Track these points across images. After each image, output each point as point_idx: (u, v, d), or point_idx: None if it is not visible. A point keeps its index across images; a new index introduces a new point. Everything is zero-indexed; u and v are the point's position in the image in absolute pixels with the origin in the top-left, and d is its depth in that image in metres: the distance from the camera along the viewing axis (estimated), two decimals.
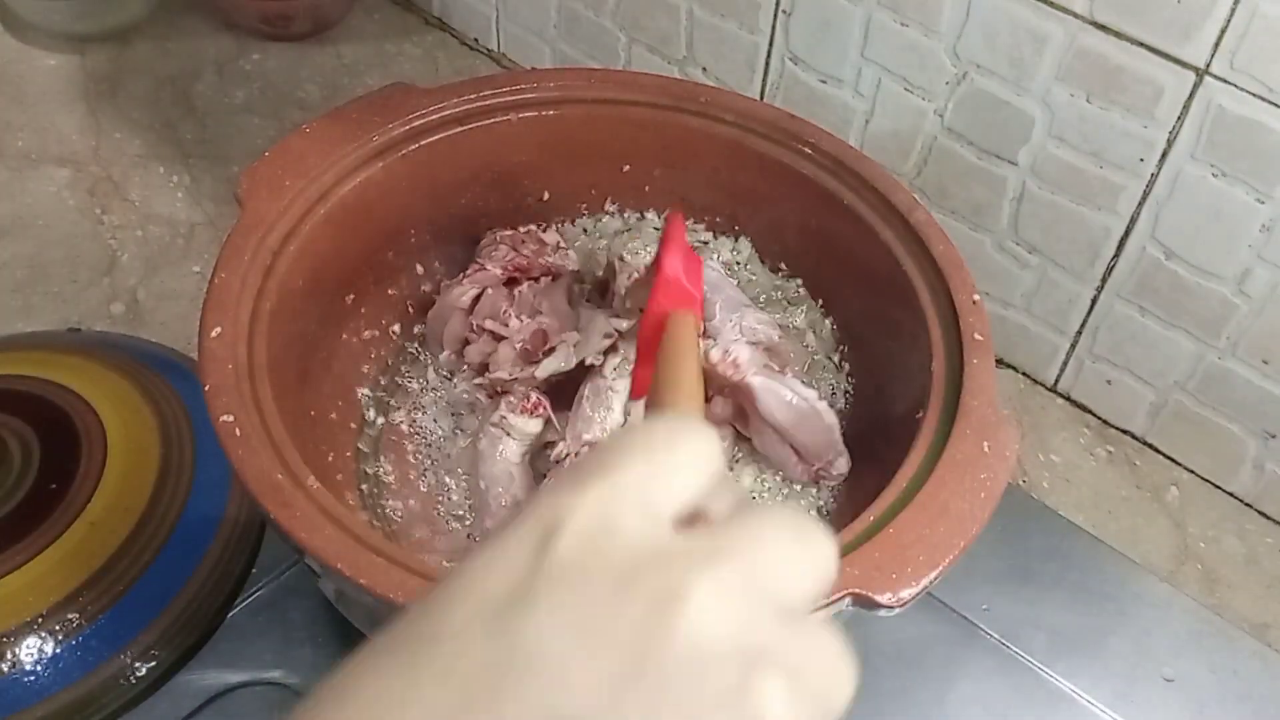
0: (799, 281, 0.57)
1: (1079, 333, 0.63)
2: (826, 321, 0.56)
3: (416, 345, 0.57)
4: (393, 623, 0.21)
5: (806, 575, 0.22)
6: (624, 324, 0.51)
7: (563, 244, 0.58)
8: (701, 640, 0.19)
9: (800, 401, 0.50)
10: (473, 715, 0.19)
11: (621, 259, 0.56)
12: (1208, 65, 0.51)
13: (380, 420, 0.54)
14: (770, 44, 0.66)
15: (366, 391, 0.54)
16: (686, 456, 0.23)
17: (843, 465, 0.51)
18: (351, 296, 0.54)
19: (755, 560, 0.21)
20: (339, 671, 0.20)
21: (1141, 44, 0.52)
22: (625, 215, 0.60)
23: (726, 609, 0.20)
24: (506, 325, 0.53)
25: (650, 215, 0.59)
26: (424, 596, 0.21)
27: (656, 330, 0.42)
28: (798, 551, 0.22)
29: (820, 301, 0.57)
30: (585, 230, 0.60)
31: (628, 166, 0.58)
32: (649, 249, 0.56)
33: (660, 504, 0.22)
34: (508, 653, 0.19)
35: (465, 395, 0.55)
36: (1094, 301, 0.61)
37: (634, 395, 0.47)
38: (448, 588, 0.21)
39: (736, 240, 0.59)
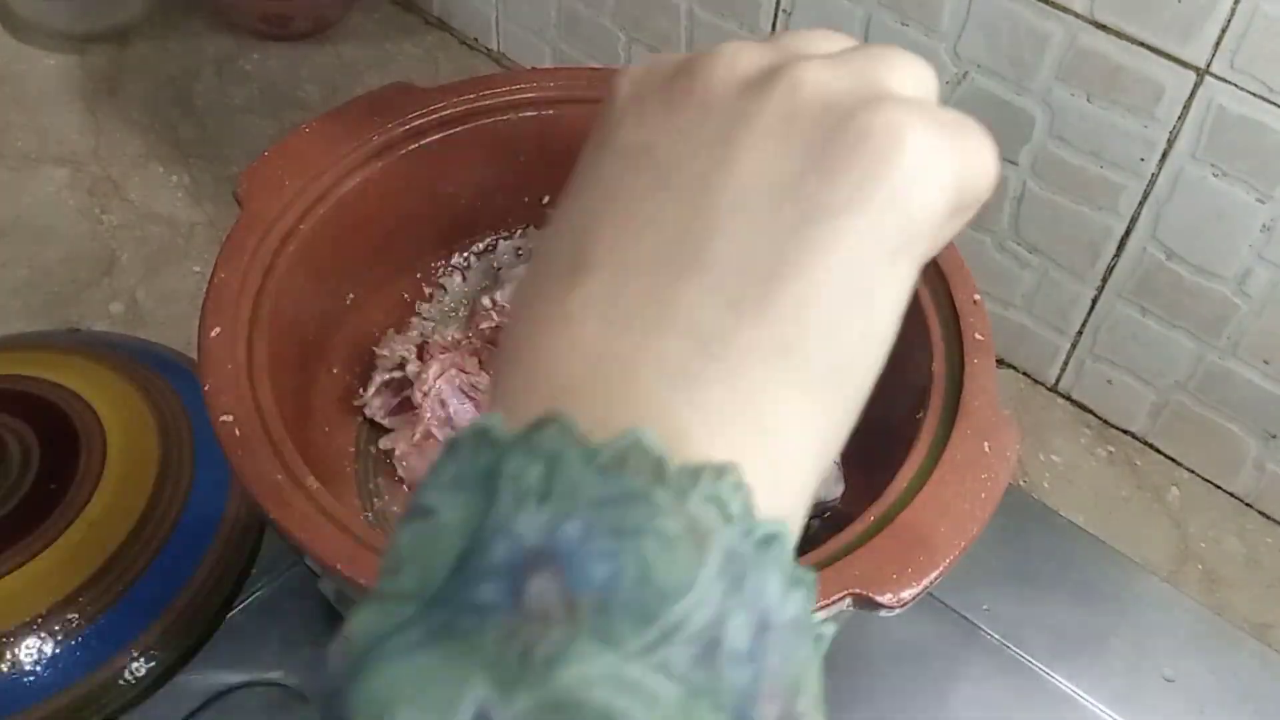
0: None
1: (1080, 333, 0.63)
2: None
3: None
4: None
5: (916, 69, 0.24)
6: None
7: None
8: (814, 91, 0.22)
9: None
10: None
11: None
12: (1208, 65, 0.51)
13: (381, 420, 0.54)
14: None
15: (367, 390, 0.54)
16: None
17: (836, 490, 0.51)
18: (351, 296, 0.54)
19: (869, 56, 0.23)
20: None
21: (1142, 44, 0.52)
22: None
23: (838, 74, 0.22)
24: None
25: None
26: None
27: None
28: (907, 58, 0.24)
29: None
30: None
31: None
32: None
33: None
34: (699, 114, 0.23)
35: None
36: (1095, 301, 0.61)
37: None
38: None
39: None
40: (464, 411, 0.53)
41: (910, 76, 0.23)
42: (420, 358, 0.53)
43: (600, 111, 0.25)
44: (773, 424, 0.20)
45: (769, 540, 0.19)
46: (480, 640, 0.17)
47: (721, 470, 0.18)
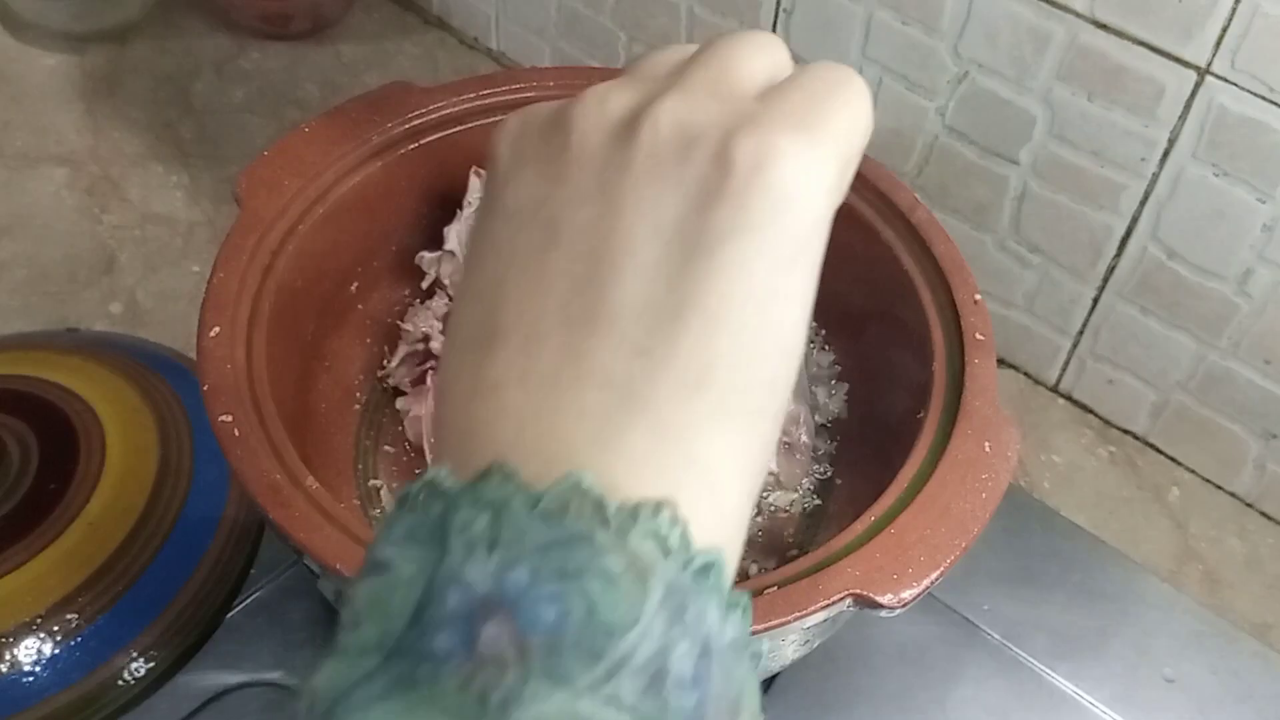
0: None
1: (1080, 333, 0.63)
2: (826, 321, 0.56)
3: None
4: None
5: (759, 57, 0.24)
6: None
7: None
8: (674, 129, 0.22)
9: None
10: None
11: None
12: (1209, 65, 0.51)
13: (380, 420, 0.54)
14: None
15: (366, 391, 0.54)
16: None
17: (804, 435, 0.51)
18: (351, 295, 0.54)
19: (709, 68, 0.24)
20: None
21: (1143, 43, 0.52)
22: None
23: (691, 105, 0.23)
24: None
25: None
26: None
27: None
28: (746, 45, 0.24)
29: (820, 301, 0.56)
30: None
31: None
32: None
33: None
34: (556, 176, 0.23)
35: None
36: (1095, 301, 0.61)
37: None
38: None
39: None
40: None
41: (759, 66, 0.24)
42: (444, 333, 0.54)
43: (486, 174, 0.26)
44: (701, 454, 0.21)
45: (707, 569, 0.19)
46: (439, 688, 0.17)
47: (658, 506, 0.19)
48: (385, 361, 0.55)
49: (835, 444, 0.54)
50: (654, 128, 0.22)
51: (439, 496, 0.20)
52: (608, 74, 0.58)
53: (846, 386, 0.55)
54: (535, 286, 0.22)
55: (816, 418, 0.55)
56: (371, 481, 0.52)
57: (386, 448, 0.54)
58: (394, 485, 0.52)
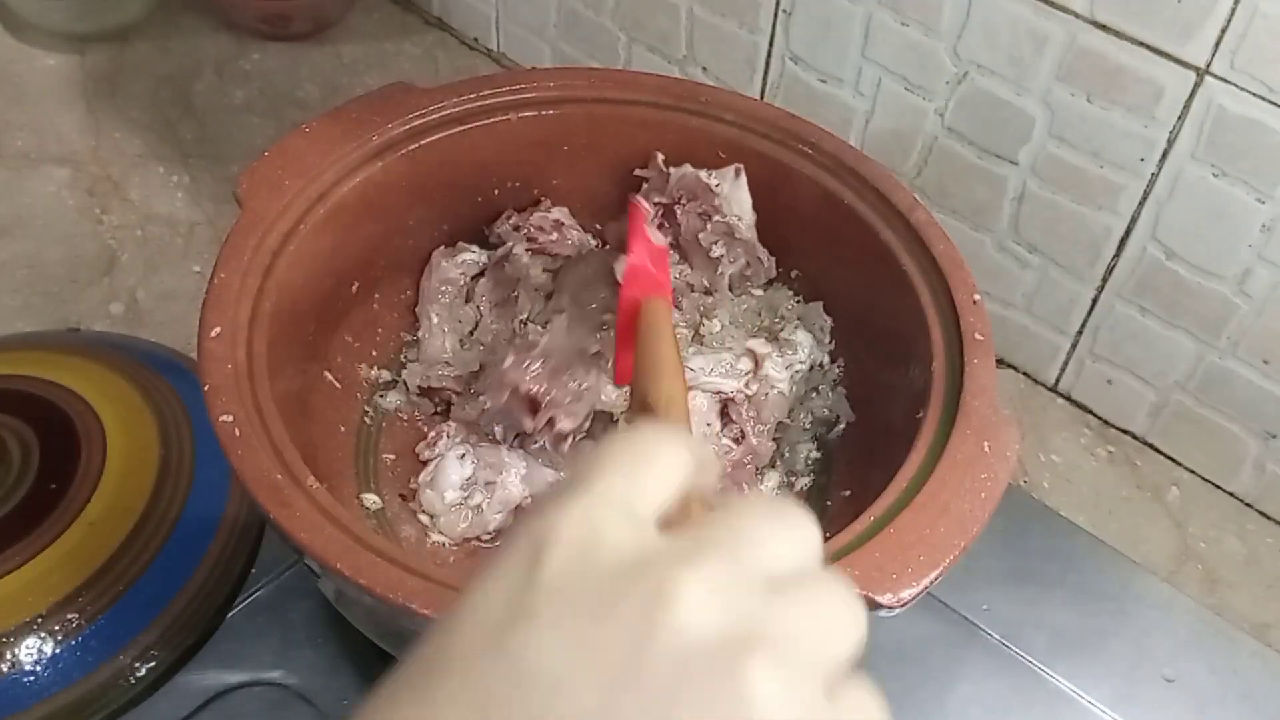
0: (798, 277, 0.57)
1: (1079, 333, 0.63)
2: (826, 321, 0.56)
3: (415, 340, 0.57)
4: (412, 649, 0.21)
5: (787, 545, 0.23)
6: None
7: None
8: (691, 637, 0.20)
9: None
10: None
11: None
12: (1208, 65, 0.51)
13: (380, 420, 0.54)
14: (770, 43, 0.66)
15: (366, 391, 0.54)
16: (664, 462, 0.24)
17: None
18: (351, 296, 0.54)
19: (736, 546, 0.22)
20: (367, 703, 0.21)
21: (1142, 43, 0.52)
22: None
23: (713, 601, 0.20)
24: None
25: None
26: (437, 621, 0.22)
27: (631, 318, 0.44)
28: (777, 528, 0.23)
29: (820, 301, 0.56)
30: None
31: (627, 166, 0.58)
32: None
33: (641, 510, 0.23)
34: (508, 671, 0.20)
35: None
36: (1095, 301, 0.61)
37: (617, 381, 0.48)
38: (454, 613, 0.21)
39: None
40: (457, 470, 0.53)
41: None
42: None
43: (496, 563, 0.22)
44: None
45: None
46: None
47: None
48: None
49: (835, 444, 0.54)
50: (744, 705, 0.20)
51: None
52: (607, 76, 0.58)
53: (846, 387, 0.55)
54: None
55: (807, 419, 0.55)
56: (371, 482, 0.52)
57: (386, 455, 0.54)
58: (394, 486, 0.52)
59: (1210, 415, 0.60)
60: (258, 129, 0.77)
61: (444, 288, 0.56)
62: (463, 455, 0.52)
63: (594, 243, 0.59)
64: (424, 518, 0.51)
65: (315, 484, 0.40)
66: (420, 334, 0.56)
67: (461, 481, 0.51)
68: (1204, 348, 0.58)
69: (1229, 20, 0.49)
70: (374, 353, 0.56)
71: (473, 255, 0.57)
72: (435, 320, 0.56)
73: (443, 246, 0.57)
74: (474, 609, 0.21)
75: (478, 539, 0.51)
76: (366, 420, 0.54)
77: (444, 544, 0.51)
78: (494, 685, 0.20)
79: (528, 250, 0.56)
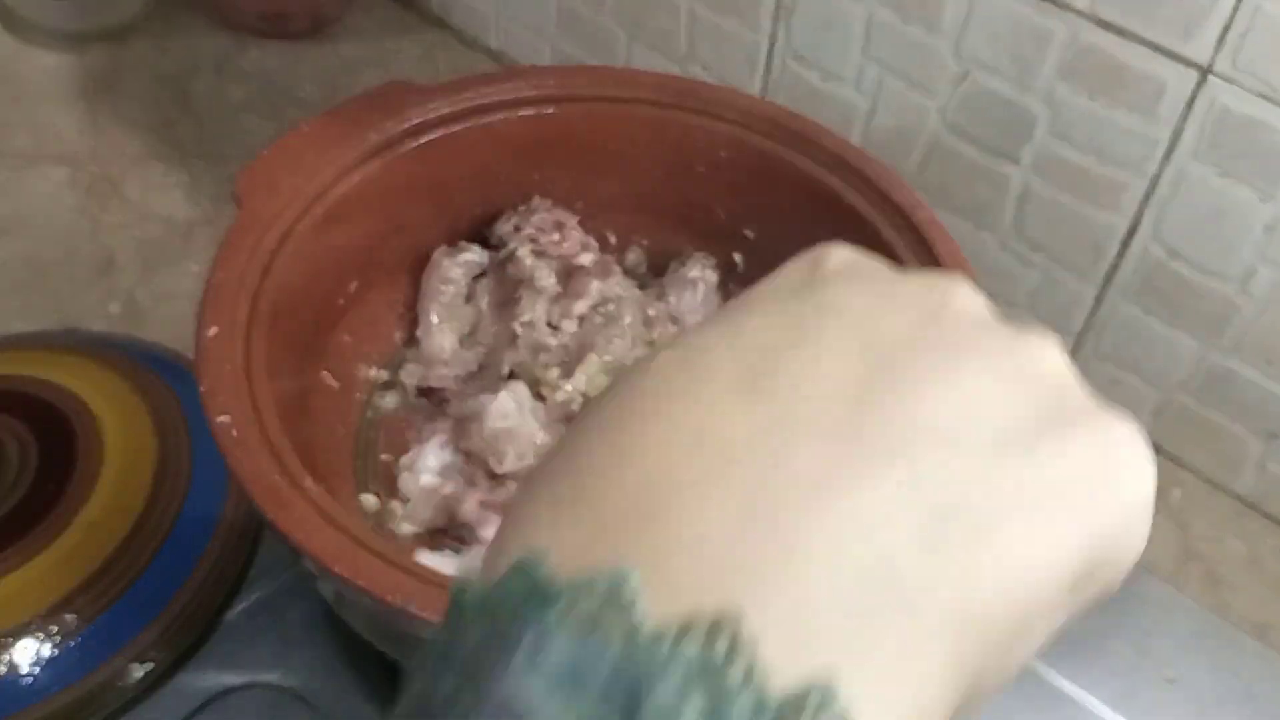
0: None
1: (1082, 332, 0.63)
2: None
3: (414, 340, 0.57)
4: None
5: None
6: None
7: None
8: (977, 309, 0.22)
9: None
10: (796, 346, 0.20)
11: None
12: (1211, 64, 0.51)
13: (379, 420, 0.54)
14: (771, 41, 0.66)
15: (365, 391, 0.54)
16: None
17: None
18: (350, 295, 0.54)
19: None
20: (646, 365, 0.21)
21: (1144, 42, 0.52)
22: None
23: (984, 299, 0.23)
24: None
25: None
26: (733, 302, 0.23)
27: None
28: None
29: None
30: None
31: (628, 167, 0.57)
32: None
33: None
34: (815, 305, 0.21)
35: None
36: (1097, 301, 0.61)
37: None
38: (746, 295, 0.22)
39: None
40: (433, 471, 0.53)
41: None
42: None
43: (771, 278, 0.23)
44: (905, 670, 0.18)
45: None
46: None
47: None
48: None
49: None
50: (1040, 369, 0.21)
51: (626, 634, 0.16)
52: (607, 74, 0.58)
53: None
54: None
55: None
56: (371, 483, 0.52)
57: (385, 456, 0.53)
58: (392, 487, 0.52)
59: (1213, 415, 0.60)
60: (257, 128, 0.77)
61: (444, 287, 0.56)
62: (444, 443, 0.52)
63: (594, 243, 0.58)
64: (396, 505, 0.51)
65: (313, 485, 0.40)
66: (419, 333, 0.56)
67: (440, 467, 0.51)
68: (1207, 348, 0.58)
69: (1231, 19, 0.49)
70: (373, 352, 0.55)
71: (474, 256, 0.57)
72: (435, 320, 0.56)
73: (444, 245, 0.57)
74: (765, 291, 0.22)
75: (443, 531, 0.51)
76: (365, 420, 0.54)
77: (410, 532, 0.50)
78: (803, 314, 0.21)
79: (531, 252, 0.56)
